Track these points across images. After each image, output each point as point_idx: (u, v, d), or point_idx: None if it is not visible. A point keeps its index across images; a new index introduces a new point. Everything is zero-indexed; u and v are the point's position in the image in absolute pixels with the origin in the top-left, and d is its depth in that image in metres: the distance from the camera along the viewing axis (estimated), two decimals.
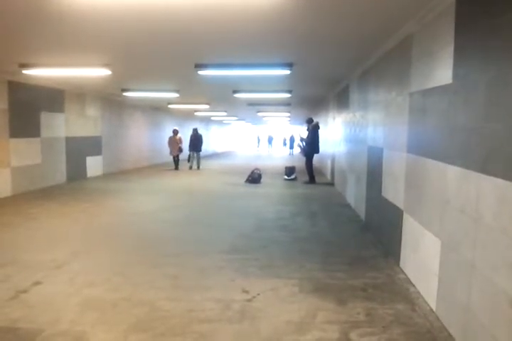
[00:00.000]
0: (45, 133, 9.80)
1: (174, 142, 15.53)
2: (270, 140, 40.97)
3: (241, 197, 9.02)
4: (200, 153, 16.21)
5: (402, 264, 4.23)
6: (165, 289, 3.67)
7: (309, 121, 12.04)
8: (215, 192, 9.79)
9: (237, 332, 2.92)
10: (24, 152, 9.01)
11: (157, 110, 17.77)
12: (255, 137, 45.12)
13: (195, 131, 16.18)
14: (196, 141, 15.91)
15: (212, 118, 24.23)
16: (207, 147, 27.65)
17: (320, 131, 11.83)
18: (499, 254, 2.29)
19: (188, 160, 15.92)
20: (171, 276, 3.98)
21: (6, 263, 4.29)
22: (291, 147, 33.62)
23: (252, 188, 10.50)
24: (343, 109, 9.41)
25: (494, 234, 2.35)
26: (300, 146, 12.32)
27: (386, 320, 3.11)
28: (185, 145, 16.16)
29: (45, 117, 9.79)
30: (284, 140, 43.59)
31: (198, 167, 15.83)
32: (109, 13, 3.87)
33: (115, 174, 13.29)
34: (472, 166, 2.64)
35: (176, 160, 15.55)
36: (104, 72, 7.08)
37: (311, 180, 11.51)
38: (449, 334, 2.89)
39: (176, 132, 15.72)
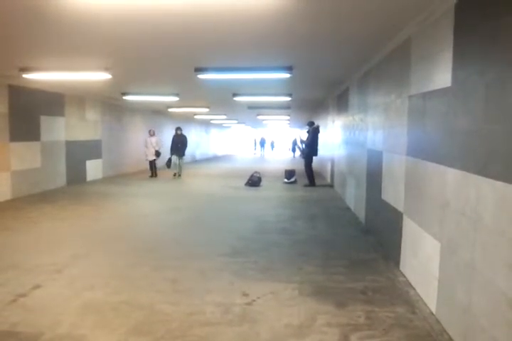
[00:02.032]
0: (45, 136, 9.82)
1: (150, 145, 13.35)
2: (263, 142, 37.20)
3: (241, 200, 9.02)
4: (184, 157, 13.81)
5: (402, 267, 4.23)
6: (165, 292, 3.67)
7: (310, 124, 12.07)
8: (214, 195, 9.79)
9: (237, 335, 2.92)
10: (24, 156, 9.01)
11: (157, 114, 17.80)
12: (252, 140, 42.69)
13: (178, 130, 13.64)
14: (180, 144, 13.40)
15: (212, 121, 24.27)
16: (207, 150, 27.71)
17: (320, 135, 11.85)
18: (499, 256, 2.29)
19: (168, 166, 13.45)
20: (170, 279, 3.97)
21: (6, 267, 4.28)
22: (293, 150, 33.39)
23: (252, 191, 10.51)
24: (342, 112, 9.43)
25: (494, 236, 2.36)
26: (299, 148, 12.33)
27: (386, 322, 3.11)
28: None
29: (45, 121, 9.80)
30: (273, 143, 40.57)
31: (179, 174, 13.50)
32: (109, 17, 3.89)
33: (115, 177, 13.28)
34: (471, 169, 2.65)
35: (153, 166, 13.44)
36: (104, 76, 7.09)
37: (311, 182, 11.52)
38: (450, 337, 2.89)
39: (152, 133, 13.51)
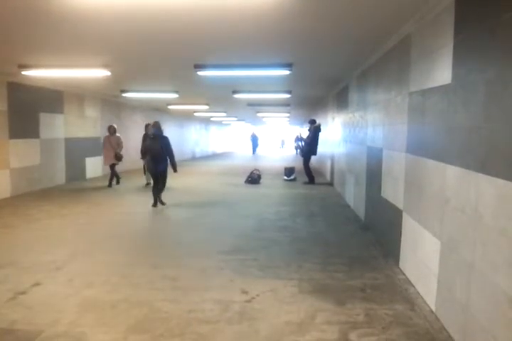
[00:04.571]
0: (44, 134, 9.80)
1: (109, 145, 10.32)
2: (254, 140, 32.63)
3: (240, 197, 9.01)
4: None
5: (401, 265, 4.23)
6: (164, 290, 3.66)
7: (312, 122, 12.02)
8: (214, 192, 9.78)
9: (236, 332, 2.92)
10: (23, 153, 9.00)
11: (156, 111, 17.76)
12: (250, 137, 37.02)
13: (152, 127, 10.50)
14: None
15: (212, 118, 24.23)
16: (206, 148, 27.64)
17: (321, 134, 11.79)
18: (499, 254, 2.29)
19: (145, 173, 10.47)
20: (170, 277, 3.97)
21: (5, 265, 4.28)
22: (297, 147, 32.68)
23: (252, 188, 10.50)
24: (342, 109, 9.41)
25: (494, 234, 2.35)
26: (299, 146, 12.31)
27: (385, 320, 3.11)
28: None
29: (44, 118, 9.78)
30: (256, 139, 33.25)
31: (148, 183, 10.32)
32: (108, 14, 3.87)
33: None
34: (471, 166, 2.64)
35: (112, 173, 10.43)
36: (103, 73, 7.08)
37: (311, 180, 11.51)
38: (449, 335, 2.89)
39: (112, 130, 10.43)
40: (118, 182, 10.71)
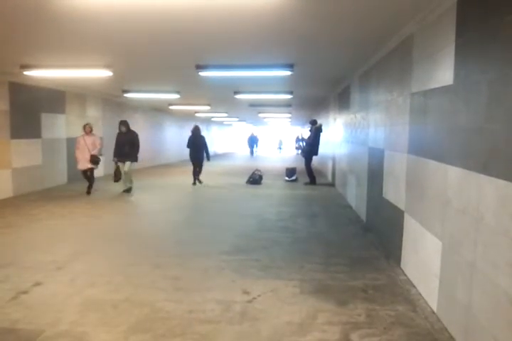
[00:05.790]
0: (46, 134, 9.82)
1: (84, 146, 8.87)
2: (253, 140, 31.24)
3: (242, 197, 9.02)
4: (135, 163, 9.41)
5: (403, 265, 4.22)
6: (165, 290, 3.67)
7: (313, 122, 12.00)
8: (215, 192, 9.79)
9: (237, 333, 2.92)
10: (25, 153, 9.01)
11: (158, 111, 17.77)
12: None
13: (122, 126, 9.26)
14: (126, 145, 9.18)
15: (213, 119, 24.24)
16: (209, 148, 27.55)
17: (322, 134, 11.79)
18: (500, 255, 2.29)
19: (115, 177, 9.19)
20: (171, 277, 3.97)
21: (7, 264, 4.29)
22: (298, 148, 32.31)
23: (253, 189, 10.50)
24: (343, 110, 9.41)
25: (495, 235, 2.35)
26: (300, 147, 12.31)
27: (387, 321, 3.11)
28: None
29: (45, 118, 9.80)
30: (255, 140, 32.11)
31: (129, 189, 9.35)
32: (110, 15, 3.88)
33: None
34: (473, 167, 2.63)
35: (89, 177, 9.07)
36: (105, 73, 7.09)
37: (312, 181, 11.50)
38: (450, 336, 2.88)
39: (88, 129, 9.02)
40: (89, 192, 9.05)
